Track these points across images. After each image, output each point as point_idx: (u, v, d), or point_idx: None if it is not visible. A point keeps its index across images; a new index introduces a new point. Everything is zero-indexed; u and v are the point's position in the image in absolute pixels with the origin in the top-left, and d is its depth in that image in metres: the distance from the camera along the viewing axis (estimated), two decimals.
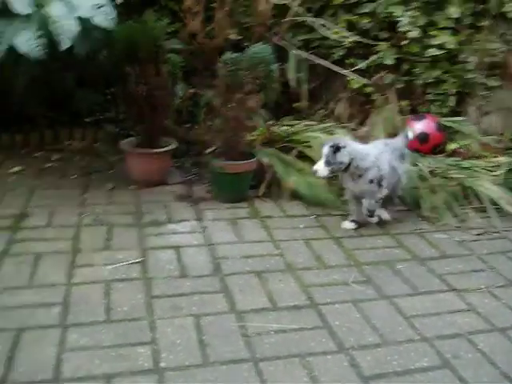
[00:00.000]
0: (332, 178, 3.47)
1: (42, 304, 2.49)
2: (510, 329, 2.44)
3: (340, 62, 4.60)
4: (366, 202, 3.31)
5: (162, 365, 2.14)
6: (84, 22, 3.32)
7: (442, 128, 4.32)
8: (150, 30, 3.63)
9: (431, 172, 3.89)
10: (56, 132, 4.66)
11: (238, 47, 4.21)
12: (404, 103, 4.55)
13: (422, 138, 4.25)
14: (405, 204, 3.68)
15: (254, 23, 4.44)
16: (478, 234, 3.37)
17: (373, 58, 4.52)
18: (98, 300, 2.54)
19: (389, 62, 4.49)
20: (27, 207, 3.48)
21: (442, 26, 4.37)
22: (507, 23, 4.46)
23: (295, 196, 3.69)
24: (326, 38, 4.56)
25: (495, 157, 4.16)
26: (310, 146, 3.83)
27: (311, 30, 4.59)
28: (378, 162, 3.26)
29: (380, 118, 4.43)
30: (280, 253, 3.04)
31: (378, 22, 4.52)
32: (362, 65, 4.55)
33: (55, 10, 3.24)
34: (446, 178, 3.82)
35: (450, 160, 4.13)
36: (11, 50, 3.23)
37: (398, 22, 4.38)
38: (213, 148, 3.86)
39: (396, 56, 4.50)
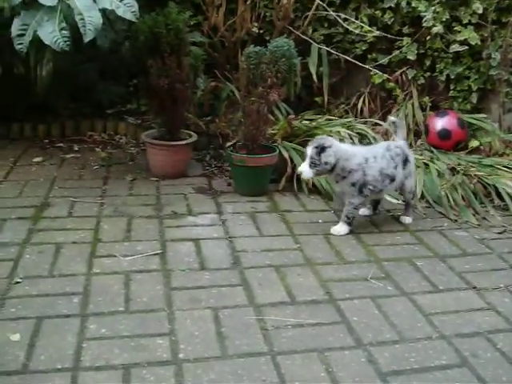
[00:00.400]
0: None
1: (63, 293, 2.51)
2: None
3: (362, 57, 4.58)
4: (344, 209, 3.22)
5: (181, 356, 2.15)
6: (107, 14, 3.34)
7: (464, 125, 4.29)
8: (172, 23, 3.64)
9: (452, 169, 3.87)
10: (77, 123, 4.69)
11: (259, 41, 4.22)
12: (426, 99, 4.52)
13: (444, 134, 4.22)
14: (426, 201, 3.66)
15: (277, 17, 4.43)
16: (499, 233, 3.34)
17: (395, 53, 4.49)
18: (117, 290, 2.56)
19: (411, 57, 4.46)
20: (48, 197, 3.51)
21: (465, 21, 4.33)
22: None
23: (315, 191, 3.68)
24: (348, 33, 4.55)
25: None
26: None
27: (334, 24, 4.57)
28: (364, 165, 3.15)
29: (401, 114, 4.42)
30: (299, 247, 3.04)
31: (401, 16, 4.49)
32: (384, 60, 4.53)
33: (79, 2, 3.25)
34: (467, 175, 3.79)
35: (472, 157, 4.10)
36: (35, 41, 3.26)
37: (421, 17, 4.34)
38: (233, 141, 3.87)
39: (419, 51, 4.47)
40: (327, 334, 2.32)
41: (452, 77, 4.45)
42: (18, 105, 4.51)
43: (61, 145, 4.48)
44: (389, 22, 4.50)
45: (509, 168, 3.89)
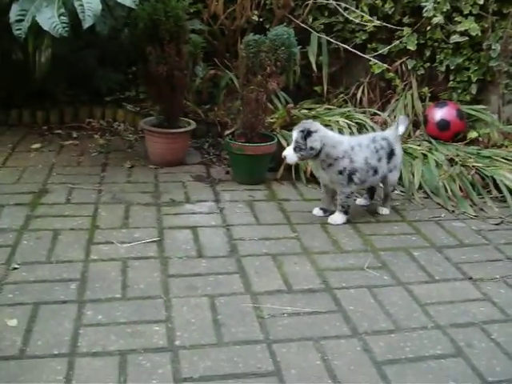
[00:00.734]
0: None
1: (60, 279, 2.52)
2: None
3: (362, 47, 4.57)
4: (338, 199, 3.19)
5: (177, 343, 2.16)
6: (107, 1, 3.32)
7: (463, 116, 4.29)
8: (171, 10, 3.62)
9: (451, 160, 3.87)
10: (76, 110, 4.69)
11: (259, 29, 4.20)
12: (425, 90, 4.51)
13: (443, 125, 4.22)
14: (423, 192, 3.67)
15: (277, 5, 4.41)
16: (496, 224, 3.35)
17: (395, 43, 4.48)
18: (114, 277, 2.56)
19: (411, 47, 4.45)
20: (46, 184, 3.51)
21: (466, 12, 4.31)
22: None
23: (313, 180, 3.69)
24: (348, 22, 4.54)
25: None
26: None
27: (334, 13, 4.56)
28: (351, 153, 3.11)
29: (400, 104, 4.41)
30: (296, 236, 3.05)
31: (401, 6, 4.47)
32: (383, 50, 4.51)
33: None
34: (465, 166, 3.79)
35: (470, 148, 4.10)
36: (34, 27, 3.24)
37: (421, 7, 4.33)
38: (232, 129, 3.87)
39: (419, 42, 4.45)
40: (323, 322, 2.33)
41: (452, 67, 4.44)
42: (16, 91, 4.50)
43: (59, 131, 4.48)
44: (389, 12, 4.48)
45: (507, 159, 3.90)
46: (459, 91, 4.49)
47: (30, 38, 3.64)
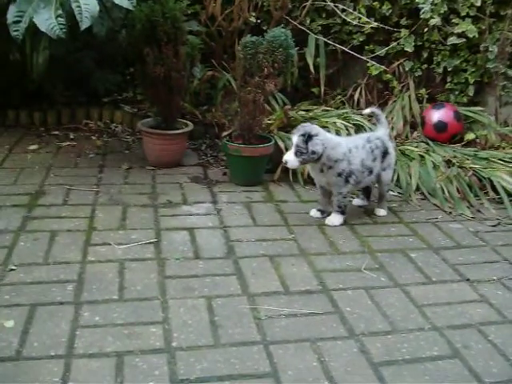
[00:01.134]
0: None
1: (57, 281, 2.52)
2: None
3: (359, 48, 4.58)
4: (335, 199, 3.19)
5: (174, 344, 2.16)
6: (104, 2, 3.32)
7: (460, 117, 4.29)
8: (169, 11, 3.62)
9: (448, 161, 3.87)
10: (73, 111, 4.69)
11: (257, 31, 4.20)
12: (423, 91, 4.52)
13: (440, 127, 4.22)
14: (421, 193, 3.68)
15: (274, 7, 4.41)
16: (493, 226, 3.35)
17: (393, 44, 4.49)
18: (111, 279, 2.56)
19: (409, 49, 4.46)
20: (43, 185, 3.51)
21: (463, 14, 4.32)
22: None
23: (310, 181, 3.68)
24: (345, 24, 4.54)
25: None
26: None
27: (331, 14, 4.56)
28: (349, 155, 3.12)
29: (398, 106, 4.42)
30: (293, 237, 3.05)
31: (399, 8, 4.48)
32: (381, 51, 4.52)
33: None
34: (462, 167, 3.80)
35: (468, 150, 4.11)
36: (31, 28, 3.24)
37: (418, 8, 4.34)
38: (229, 131, 3.87)
39: (416, 43, 4.46)
40: (320, 323, 2.33)
41: (449, 69, 4.45)
42: (13, 92, 4.50)
43: (56, 133, 4.48)
44: (387, 14, 4.49)
45: (504, 161, 3.91)
46: (456, 93, 4.50)
47: (28, 39, 3.63)
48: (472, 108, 4.44)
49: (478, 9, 4.31)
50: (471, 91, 4.46)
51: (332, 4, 4.44)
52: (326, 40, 4.52)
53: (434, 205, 3.56)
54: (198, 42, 4.03)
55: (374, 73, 4.52)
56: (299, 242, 3.00)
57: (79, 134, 4.49)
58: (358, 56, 4.47)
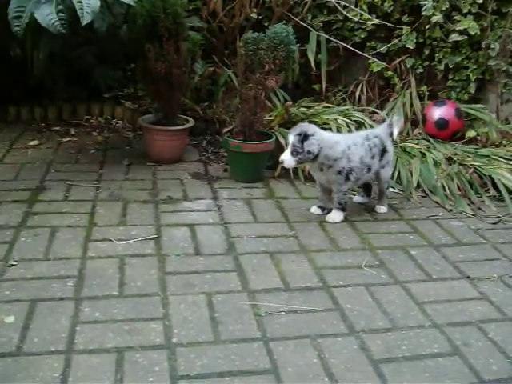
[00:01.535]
0: None
1: (57, 276, 2.52)
2: None
3: (361, 45, 4.57)
4: (335, 196, 3.19)
5: (174, 340, 2.16)
6: None
7: (461, 115, 4.29)
8: (170, 7, 3.61)
9: (449, 159, 3.87)
10: (74, 107, 4.69)
11: (258, 27, 4.20)
12: (424, 88, 4.51)
13: (441, 124, 4.22)
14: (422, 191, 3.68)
15: (276, 3, 4.40)
16: (494, 223, 3.35)
17: (394, 41, 4.48)
18: (112, 274, 2.56)
19: (410, 46, 4.45)
20: (44, 181, 3.51)
21: (465, 11, 4.31)
22: None
23: (311, 178, 3.68)
24: (347, 20, 4.53)
25: None
26: (328, 129, 3.81)
27: (333, 11, 4.55)
28: (348, 152, 3.12)
29: (399, 103, 4.41)
30: (294, 234, 3.05)
31: (400, 5, 4.47)
32: (382, 48, 4.51)
33: None
34: (463, 165, 3.79)
35: (469, 147, 4.10)
36: (32, 23, 3.23)
37: (420, 5, 4.33)
38: (230, 127, 3.86)
39: (418, 40, 4.45)
40: (320, 320, 2.33)
41: (451, 66, 4.44)
42: (14, 88, 4.49)
43: (57, 128, 4.48)
44: (388, 10, 4.48)
45: (505, 159, 3.91)
46: (458, 90, 4.49)
47: (29, 34, 3.62)
48: (473, 105, 4.44)
49: (479, 6, 4.30)
50: (472, 88, 4.46)
51: (334, 0, 4.43)
52: (327, 37, 4.51)
53: (435, 202, 3.56)
54: (200, 37, 4.02)
55: (376, 70, 4.52)
56: (300, 239, 2.99)
57: (80, 129, 4.49)
58: (360, 53, 4.46)
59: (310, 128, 3.09)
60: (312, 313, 2.38)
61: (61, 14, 3.20)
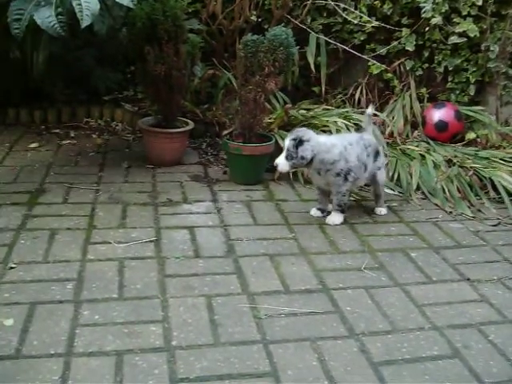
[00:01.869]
0: None
1: (57, 279, 2.51)
2: None
3: (360, 47, 4.57)
4: (334, 198, 3.18)
5: (173, 343, 2.15)
6: (105, 0, 3.31)
7: (461, 117, 4.29)
8: (170, 10, 3.62)
9: (449, 161, 3.87)
10: (74, 109, 4.69)
11: (258, 29, 4.20)
12: (423, 90, 4.51)
13: (441, 126, 4.22)
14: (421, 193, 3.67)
15: (275, 5, 4.41)
16: (494, 225, 3.35)
17: (394, 43, 4.48)
18: (111, 277, 2.56)
19: (410, 48, 4.45)
20: (44, 183, 3.50)
21: (465, 13, 4.31)
22: None
23: (310, 180, 3.68)
24: (346, 23, 4.53)
25: None
26: (328, 131, 3.81)
27: (332, 13, 4.56)
28: (345, 153, 3.12)
29: (399, 105, 4.41)
30: (294, 236, 3.04)
31: (400, 7, 4.47)
32: (382, 50, 4.52)
33: None
34: (463, 167, 3.79)
35: (468, 149, 4.10)
36: (32, 26, 3.24)
37: (420, 8, 4.33)
38: (230, 129, 3.86)
39: (417, 42, 4.45)
40: (320, 323, 2.33)
41: (450, 68, 4.44)
42: (14, 90, 4.49)
43: (57, 131, 4.48)
44: (388, 13, 4.48)
45: (505, 161, 3.90)
46: (457, 92, 4.49)
47: (28, 37, 3.63)
48: (473, 107, 4.43)
49: (479, 8, 4.30)
50: (472, 91, 4.46)
51: (333, 3, 4.43)
52: (326, 39, 4.51)
53: (435, 204, 3.56)
54: (199, 40, 4.02)
55: (375, 72, 4.52)
56: (299, 241, 2.99)
57: (80, 132, 4.49)
58: (359, 55, 4.47)
59: (306, 133, 3.09)
60: (312, 315, 2.37)
61: (60, 17, 3.20)
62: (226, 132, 3.87)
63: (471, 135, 4.27)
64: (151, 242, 2.89)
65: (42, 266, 2.61)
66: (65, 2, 3.22)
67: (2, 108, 4.51)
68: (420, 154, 3.93)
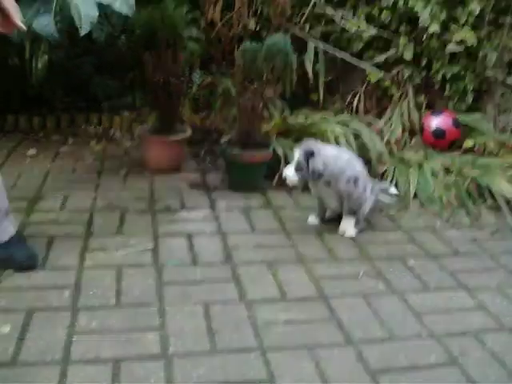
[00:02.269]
0: None
1: (54, 286, 2.51)
2: None
3: (358, 55, 4.58)
4: (346, 204, 3.12)
5: (171, 351, 2.15)
6: (104, 8, 3.32)
7: (458, 124, 4.29)
8: (168, 18, 3.62)
9: (446, 169, 3.87)
10: (72, 116, 4.69)
11: (256, 37, 4.21)
12: (421, 98, 4.52)
13: (439, 133, 4.23)
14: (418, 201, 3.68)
15: (274, 13, 4.42)
16: (492, 233, 3.35)
17: (392, 51, 4.49)
18: (108, 284, 2.55)
19: (408, 56, 4.46)
20: (42, 190, 3.50)
21: (462, 21, 4.32)
22: None
23: (308, 188, 3.68)
24: (345, 31, 4.55)
25: None
26: (325, 139, 3.81)
27: (331, 21, 4.57)
28: (352, 160, 3.13)
29: (397, 112, 4.42)
30: (292, 244, 3.04)
31: (398, 15, 4.48)
32: (380, 58, 4.52)
33: None
34: (460, 175, 3.79)
35: (466, 157, 4.10)
36: (31, 33, 3.24)
37: (418, 16, 4.34)
38: (228, 137, 3.86)
39: (415, 51, 4.46)
40: (318, 330, 2.32)
41: (448, 76, 4.45)
42: (12, 97, 4.50)
43: (56, 138, 4.48)
44: (386, 21, 4.49)
45: (503, 168, 3.89)
46: (455, 100, 4.50)
47: (27, 44, 3.65)
48: (471, 115, 4.44)
49: (476, 16, 4.31)
50: (470, 99, 4.46)
51: (331, 11, 4.44)
52: (325, 46, 4.52)
53: (432, 212, 3.56)
54: (198, 47, 4.04)
55: (373, 80, 4.52)
56: (297, 249, 2.99)
57: (78, 139, 4.49)
58: (357, 63, 4.47)
59: (316, 146, 3.05)
60: (309, 323, 2.37)
61: (59, 24, 3.21)
62: (224, 139, 3.87)
63: (469, 143, 4.27)
64: (149, 249, 2.89)
65: (39, 272, 2.61)
66: (64, 10, 3.23)
67: (0, 114, 4.51)
68: (418, 162, 3.93)
